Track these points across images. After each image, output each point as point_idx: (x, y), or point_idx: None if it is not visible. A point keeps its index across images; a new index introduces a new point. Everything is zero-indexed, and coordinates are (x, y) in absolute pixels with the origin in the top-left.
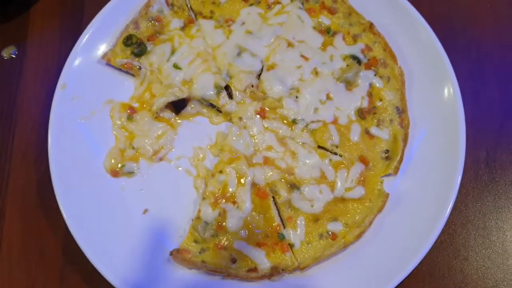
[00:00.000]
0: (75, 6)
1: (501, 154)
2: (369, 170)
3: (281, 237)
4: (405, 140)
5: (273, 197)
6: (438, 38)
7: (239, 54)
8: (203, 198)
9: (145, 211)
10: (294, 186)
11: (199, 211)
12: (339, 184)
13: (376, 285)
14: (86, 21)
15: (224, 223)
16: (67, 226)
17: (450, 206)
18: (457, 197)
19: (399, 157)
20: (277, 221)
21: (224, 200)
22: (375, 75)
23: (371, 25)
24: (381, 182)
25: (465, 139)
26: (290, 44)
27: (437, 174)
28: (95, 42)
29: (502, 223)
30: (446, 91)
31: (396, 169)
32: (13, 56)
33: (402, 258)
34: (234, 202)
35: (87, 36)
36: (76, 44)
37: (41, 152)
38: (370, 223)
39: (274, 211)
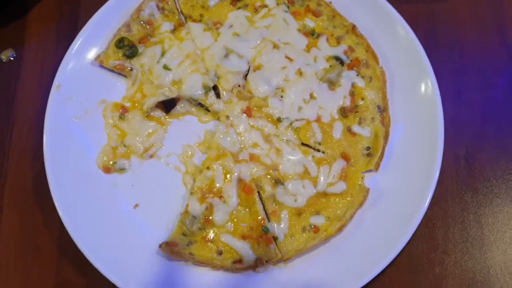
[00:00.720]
0: (70, 11)
1: (480, 152)
2: (350, 166)
3: (266, 230)
4: (386, 137)
5: (258, 192)
6: (420, 40)
7: (226, 55)
8: (191, 193)
9: (136, 205)
10: (278, 182)
11: (187, 205)
12: (321, 179)
13: (356, 276)
14: (81, 25)
15: (211, 217)
16: (62, 222)
17: (428, 201)
18: (437, 193)
19: (379, 153)
20: (262, 215)
21: (211, 195)
22: (357, 75)
23: (353, 27)
24: (362, 178)
25: (445, 136)
26: (275, 46)
27: (416, 170)
28: (89, 45)
29: (480, 218)
30: (424, 88)
31: (377, 165)
32: (11, 58)
33: (382, 250)
34: (220, 197)
35: (81, 39)
36: (70, 47)
37: (37, 150)
38: (351, 217)
39: (259, 206)
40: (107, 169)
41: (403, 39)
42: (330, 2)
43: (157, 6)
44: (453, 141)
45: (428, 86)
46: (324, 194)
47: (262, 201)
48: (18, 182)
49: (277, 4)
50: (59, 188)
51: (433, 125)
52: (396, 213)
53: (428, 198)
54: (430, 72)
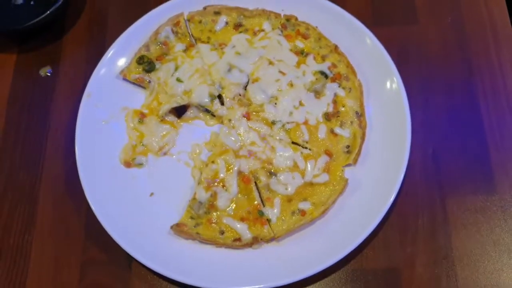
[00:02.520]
0: (99, 34)
1: (445, 151)
2: (332, 161)
3: (261, 214)
4: (362, 137)
5: (255, 182)
6: (393, 58)
7: (229, 70)
8: (198, 184)
9: (152, 194)
10: (272, 173)
11: (195, 193)
12: (308, 171)
13: (336, 251)
14: (107, 45)
15: (215, 203)
16: (90, 207)
17: (396, 190)
18: (407, 186)
19: (357, 150)
20: (258, 201)
21: (215, 184)
22: (339, 86)
23: (336, 47)
24: (342, 170)
25: (414, 138)
26: (271, 63)
27: (387, 164)
28: (115, 61)
29: (446, 206)
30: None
31: (355, 160)
32: (48, 74)
33: (358, 230)
34: (223, 186)
35: (108, 56)
36: (100, 62)
37: (69, 149)
38: (333, 203)
39: (255, 193)
40: (128, 164)
41: (375, 54)
42: (317, 27)
43: (172, 30)
44: (422, 142)
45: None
46: (311, 184)
47: (258, 190)
48: (52, 176)
49: (272, 29)
50: (88, 179)
51: (402, 124)
52: (370, 200)
53: (397, 188)
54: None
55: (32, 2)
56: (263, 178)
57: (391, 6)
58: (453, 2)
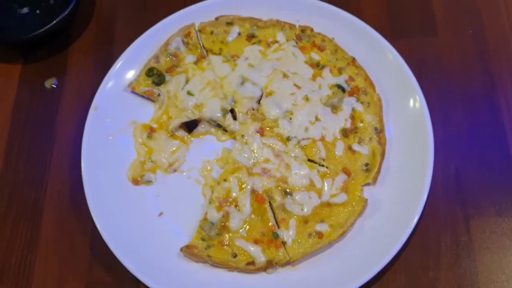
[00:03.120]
0: (106, 45)
1: (468, 170)
2: (351, 180)
3: (276, 236)
4: (382, 155)
5: (269, 202)
6: (412, 71)
7: (242, 83)
8: (210, 203)
9: (160, 214)
10: (287, 193)
11: (206, 213)
12: (325, 191)
13: (355, 277)
14: (115, 57)
15: (227, 224)
16: (96, 225)
17: (419, 211)
18: (429, 206)
19: (376, 169)
20: (272, 222)
21: (227, 204)
22: (357, 101)
23: (353, 60)
24: (361, 190)
25: (436, 156)
26: (285, 75)
27: (409, 184)
28: (123, 73)
29: (469, 228)
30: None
31: (374, 179)
32: (54, 86)
33: (379, 254)
34: (236, 206)
35: (117, 67)
36: (107, 75)
37: (75, 164)
38: (352, 225)
39: (270, 214)
40: (136, 181)
41: (393, 65)
42: (333, 38)
43: (182, 41)
44: (444, 160)
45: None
46: (328, 204)
47: (272, 210)
48: (57, 191)
49: (287, 40)
50: (94, 197)
51: (424, 139)
52: (391, 222)
53: (420, 210)
54: (417, 89)
55: (38, 11)
56: (277, 198)
57: (410, 17)
58: (473, 13)
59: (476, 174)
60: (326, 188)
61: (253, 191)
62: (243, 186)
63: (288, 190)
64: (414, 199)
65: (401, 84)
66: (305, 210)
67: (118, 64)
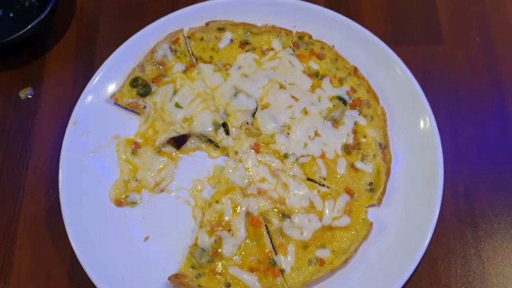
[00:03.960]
0: (87, 52)
1: (478, 189)
2: (354, 201)
3: (273, 263)
4: (387, 173)
5: (265, 225)
6: (418, 80)
7: (235, 94)
8: (201, 227)
9: (146, 238)
10: (285, 215)
11: (197, 238)
12: (326, 213)
13: None
14: (97, 64)
15: (219, 250)
16: (74, 251)
17: (429, 236)
18: (438, 228)
19: (382, 189)
20: (269, 248)
21: (220, 228)
22: (359, 114)
23: (355, 69)
24: (366, 212)
25: (444, 172)
26: (282, 86)
27: (417, 206)
28: (105, 84)
29: (481, 252)
30: (423, 124)
31: (379, 200)
32: (29, 96)
33: (385, 283)
34: (229, 230)
35: (97, 78)
36: (88, 85)
37: (52, 183)
38: (356, 250)
39: (266, 239)
40: (119, 203)
41: (401, 79)
42: (333, 46)
43: (170, 48)
44: (452, 178)
45: (426, 122)
46: (329, 228)
47: (269, 234)
48: (32, 213)
49: (283, 47)
50: (73, 220)
51: (433, 161)
52: (398, 247)
53: (430, 234)
54: (428, 109)
55: (11, 15)
56: (275, 221)
57: (413, 24)
58: (480, 21)
59: (487, 192)
60: (327, 210)
61: (248, 214)
62: (237, 208)
63: (286, 213)
64: (422, 222)
65: (406, 95)
66: (305, 234)
67: (100, 73)
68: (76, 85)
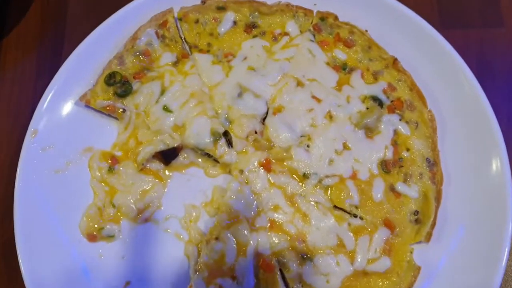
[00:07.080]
0: (53, 39)
1: None
2: (395, 237)
3: None
4: (438, 199)
5: (280, 270)
6: (471, 70)
7: (240, 94)
8: (196, 271)
9: (127, 283)
10: (306, 257)
11: (191, 286)
12: (360, 254)
13: None
14: (65, 55)
15: None
16: None
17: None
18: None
19: (431, 220)
20: None
21: (220, 274)
22: (400, 120)
23: (395, 61)
24: (411, 252)
25: None
26: (299, 83)
27: (479, 241)
28: (73, 80)
29: None
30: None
31: (429, 235)
32: None
33: None
34: (233, 277)
35: (64, 73)
36: (51, 83)
37: (6, 211)
38: None
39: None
40: (92, 237)
41: (458, 77)
42: (366, 30)
43: (156, 34)
44: None
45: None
46: (364, 273)
47: (285, 282)
48: None
49: (301, 31)
50: (31, 260)
51: (499, 179)
52: None
53: (498, 278)
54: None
55: None
56: (292, 265)
57: (465, 3)
58: None
59: None
60: (360, 249)
61: (257, 255)
62: (243, 247)
63: (307, 253)
64: (487, 264)
65: (464, 95)
66: (332, 282)
67: (67, 67)
68: (39, 79)
